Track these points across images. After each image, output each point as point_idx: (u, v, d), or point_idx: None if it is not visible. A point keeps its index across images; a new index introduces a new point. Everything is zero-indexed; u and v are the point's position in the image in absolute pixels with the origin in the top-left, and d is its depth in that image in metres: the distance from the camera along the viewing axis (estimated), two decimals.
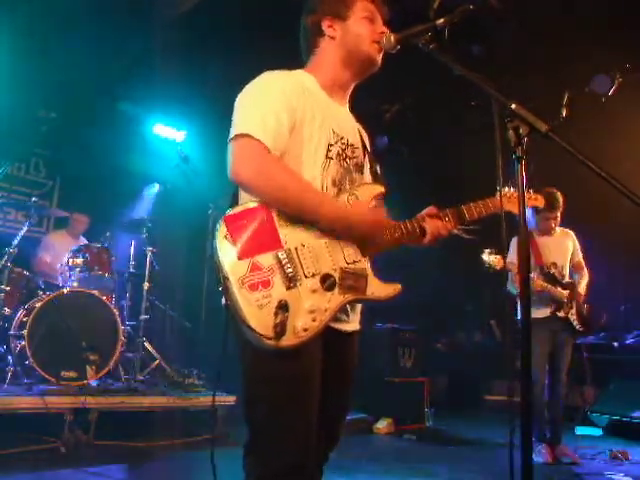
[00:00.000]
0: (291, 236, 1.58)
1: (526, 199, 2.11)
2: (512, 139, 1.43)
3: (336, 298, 1.59)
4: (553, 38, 4.95)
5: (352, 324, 1.77)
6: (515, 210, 1.93)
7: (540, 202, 2.21)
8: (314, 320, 1.53)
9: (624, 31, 4.74)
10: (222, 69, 5.56)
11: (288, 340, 1.48)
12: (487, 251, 4.34)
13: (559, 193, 4.48)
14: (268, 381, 1.56)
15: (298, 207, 1.59)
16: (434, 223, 1.81)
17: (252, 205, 1.59)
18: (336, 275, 1.59)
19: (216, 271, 1.53)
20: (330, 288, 1.58)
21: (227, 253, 1.52)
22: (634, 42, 4.86)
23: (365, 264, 1.68)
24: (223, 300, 1.62)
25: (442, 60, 1.59)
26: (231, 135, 1.61)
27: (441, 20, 1.62)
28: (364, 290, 1.66)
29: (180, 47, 5.17)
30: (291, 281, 1.53)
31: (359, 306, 1.81)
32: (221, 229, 1.54)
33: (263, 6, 4.62)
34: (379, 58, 1.82)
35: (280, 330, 1.47)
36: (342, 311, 1.67)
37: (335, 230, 1.63)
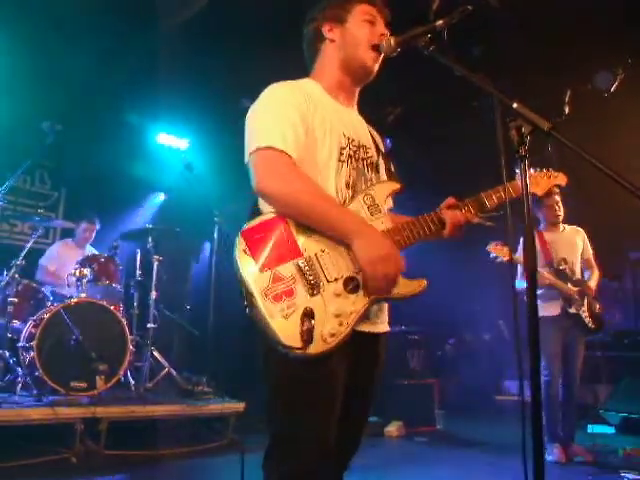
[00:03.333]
0: (310, 244, 1.58)
1: (548, 178, 2.08)
2: (515, 138, 1.43)
3: (360, 300, 1.58)
4: (553, 36, 4.93)
5: (381, 325, 1.76)
6: (537, 191, 1.90)
7: (562, 180, 2.10)
8: (341, 324, 1.52)
9: (625, 29, 4.73)
10: (224, 77, 5.59)
11: (316, 348, 1.48)
12: (493, 243, 4.34)
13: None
14: (290, 384, 1.56)
15: (325, 225, 1.58)
16: (452, 213, 1.78)
17: (268, 217, 1.59)
18: (359, 277, 1.58)
19: (239, 285, 1.54)
20: (354, 291, 1.57)
21: (248, 267, 1.53)
22: (635, 40, 4.85)
23: None
24: (248, 310, 1.62)
25: (443, 61, 1.59)
26: (251, 148, 1.62)
27: (440, 21, 1.63)
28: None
29: (182, 56, 5.19)
30: (314, 288, 1.53)
31: (386, 306, 1.79)
32: (239, 243, 1.55)
33: (265, 14, 4.64)
34: (375, 66, 1.83)
35: (307, 338, 1.47)
36: (370, 312, 1.65)
37: (354, 244, 1.58)
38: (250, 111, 1.72)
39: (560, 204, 4.60)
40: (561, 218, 4.63)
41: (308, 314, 1.49)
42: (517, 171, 1.83)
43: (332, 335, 1.50)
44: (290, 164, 1.59)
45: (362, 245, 1.56)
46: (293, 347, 1.46)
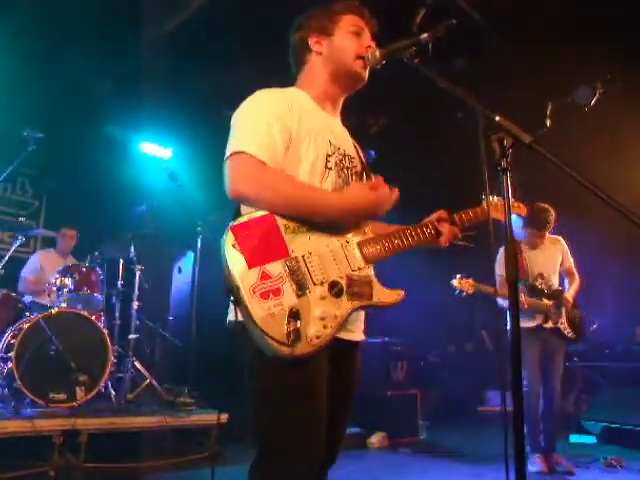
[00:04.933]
0: (298, 244, 1.58)
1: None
2: (497, 151, 1.44)
3: (345, 305, 1.59)
4: (536, 50, 5.01)
5: (357, 333, 1.77)
6: (501, 217, 1.96)
7: (522, 211, 2.24)
8: (325, 327, 1.53)
9: (607, 42, 4.80)
10: (207, 87, 5.59)
11: (302, 348, 1.48)
12: (458, 276, 4.34)
13: (551, 211, 4.48)
14: (275, 393, 1.55)
15: (308, 209, 1.61)
16: (450, 227, 1.89)
17: (258, 214, 1.58)
18: (343, 282, 1.60)
19: (226, 281, 1.52)
20: (338, 295, 1.58)
21: (236, 262, 1.51)
22: (616, 53, 4.93)
23: (369, 271, 1.69)
24: (230, 317, 1.61)
25: (427, 74, 1.61)
26: (227, 154, 1.62)
27: (425, 35, 1.65)
28: (370, 296, 1.66)
29: (166, 64, 5.19)
30: (301, 289, 1.53)
31: (362, 315, 1.80)
32: (228, 238, 1.54)
33: (247, 25, 4.66)
34: (365, 73, 1.84)
35: (295, 338, 1.47)
36: (349, 320, 1.66)
37: (349, 217, 1.69)
38: (233, 117, 1.73)
39: (545, 238, 4.63)
40: (541, 246, 4.66)
41: (294, 315, 1.49)
42: (483, 197, 1.96)
43: (317, 337, 1.51)
44: (261, 166, 1.58)
45: (356, 208, 1.66)
46: (281, 342, 1.46)
